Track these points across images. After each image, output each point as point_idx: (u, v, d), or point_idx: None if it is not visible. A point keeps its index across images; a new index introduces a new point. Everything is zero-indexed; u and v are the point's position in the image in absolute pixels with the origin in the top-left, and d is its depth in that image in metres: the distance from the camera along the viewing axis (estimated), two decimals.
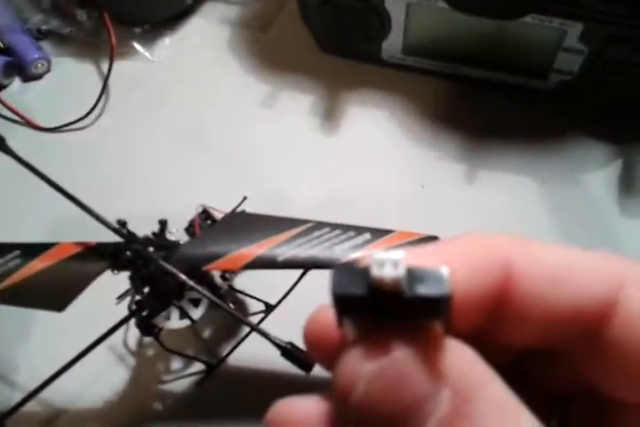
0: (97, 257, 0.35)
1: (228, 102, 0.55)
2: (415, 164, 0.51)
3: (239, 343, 0.44)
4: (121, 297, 0.46)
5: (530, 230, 0.47)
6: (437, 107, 0.53)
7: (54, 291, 0.35)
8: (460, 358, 0.14)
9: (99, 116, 0.54)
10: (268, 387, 0.43)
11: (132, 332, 0.45)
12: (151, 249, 0.36)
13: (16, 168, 0.39)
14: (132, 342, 0.45)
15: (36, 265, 0.35)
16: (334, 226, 0.37)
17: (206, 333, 0.45)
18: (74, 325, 0.44)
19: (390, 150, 0.52)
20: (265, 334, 0.33)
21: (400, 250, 0.13)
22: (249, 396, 0.43)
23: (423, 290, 0.13)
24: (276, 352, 0.43)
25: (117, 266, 0.36)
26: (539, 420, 0.14)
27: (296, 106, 0.54)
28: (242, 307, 0.46)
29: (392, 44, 0.52)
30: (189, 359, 0.44)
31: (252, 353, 0.44)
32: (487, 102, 0.53)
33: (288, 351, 0.32)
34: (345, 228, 0.37)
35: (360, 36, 0.51)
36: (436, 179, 0.51)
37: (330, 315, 0.15)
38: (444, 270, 0.13)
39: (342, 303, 0.13)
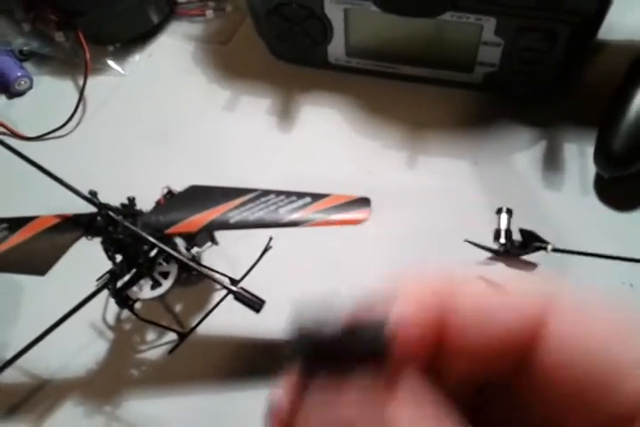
0: (73, 226, 0.41)
1: (194, 108, 0.61)
2: (362, 153, 0.57)
3: (207, 314, 0.48)
4: (100, 279, 0.51)
5: (465, 207, 0.53)
6: (380, 102, 0.59)
7: (37, 257, 0.40)
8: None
9: (77, 124, 0.60)
10: (233, 354, 0.48)
11: (110, 309, 0.50)
12: (120, 217, 0.41)
13: None
14: (111, 319, 0.50)
15: (21, 236, 0.40)
16: (279, 192, 0.42)
17: (176, 307, 0.50)
18: (60, 306, 0.50)
19: (340, 143, 0.58)
20: (215, 280, 0.38)
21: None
22: (216, 361, 0.48)
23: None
24: (242, 322, 0.48)
25: (91, 233, 0.41)
26: None
27: (255, 108, 0.60)
28: (210, 282, 0.51)
29: (336, 48, 0.58)
30: (162, 330, 0.49)
31: (219, 324, 0.48)
32: (424, 96, 0.59)
33: (239, 295, 0.37)
34: (288, 193, 0.42)
35: (306, 42, 0.58)
36: (380, 166, 0.56)
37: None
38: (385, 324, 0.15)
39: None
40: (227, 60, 0.64)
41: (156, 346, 0.48)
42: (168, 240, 0.43)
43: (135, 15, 0.63)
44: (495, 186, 0.54)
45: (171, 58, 0.64)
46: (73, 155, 0.59)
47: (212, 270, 0.50)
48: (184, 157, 0.58)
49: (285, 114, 0.60)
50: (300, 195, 0.42)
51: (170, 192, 0.47)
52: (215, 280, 0.39)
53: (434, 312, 0.18)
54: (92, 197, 0.40)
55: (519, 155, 0.55)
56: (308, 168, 0.57)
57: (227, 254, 0.51)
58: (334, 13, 0.55)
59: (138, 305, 0.48)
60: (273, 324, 0.47)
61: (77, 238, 0.41)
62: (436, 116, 0.58)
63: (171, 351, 0.48)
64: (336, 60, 0.60)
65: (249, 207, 0.41)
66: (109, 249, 0.42)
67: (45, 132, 0.59)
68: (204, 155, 0.58)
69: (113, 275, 0.44)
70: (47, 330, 0.42)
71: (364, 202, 0.42)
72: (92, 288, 0.50)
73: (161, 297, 0.49)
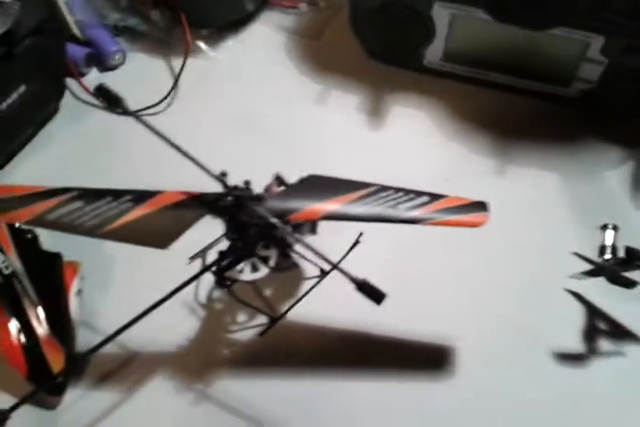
0: (198, 205, 0.41)
1: (284, 97, 0.62)
2: (449, 157, 0.58)
3: (299, 300, 0.49)
4: (193, 258, 0.52)
5: (549, 221, 0.54)
6: (469, 109, 0.60)
7: (160, 231, 0.40)
8: None
9: (169, 104, 0.61)
10: (321, 341, 0.48)
11: (202, 288, 0.51)
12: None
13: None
14: (203, 297, 0.51)
15: (145, 209, 0.41)
16: (397, 189, 0.43)
17: (266, 291, 0.51)
18: (148, 279, 0.51)
19: (427, 144, 0.59)
20: (343, 271, 0.39)
21: None
22: (304, 347, 0.48)
23: None
24: (331, 310, 0.49)
25: (215, 212, 0.42)
26: None
27: (345, 104, 0.61)
28: (300, 271, 0.52)
29: (434, 52, 0.59)
30: (252, 313, 0.50)
31: (309, 310, 0.49)
32: (515, 107, 0.60)
33: (364, 286, 0.38)
34: (406, 191, 0.43)
35: (406, 43, 0.59)
36: (468, 171, 0.57)
37: None
38: None
39: None
40: (317, 55, 0.64)
41: (246, 328, 0.49)
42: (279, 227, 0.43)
43: (232, 2, 0.63)
44: (583, 202, 0.55)
45: (262, 46, 0.65)
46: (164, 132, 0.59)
47: (306, 259, 0.51)
48: (271, 145, 0.59)
49: (375, 112, 0.61)
50: (419, 193, 0.43)
51: (279, 178, 0.48)
52: (343, 271, 0.39)
53: None
54: (223, 178, 0.41)
55: (608, 173, 0.57)
56: (393, 167, 0.57)
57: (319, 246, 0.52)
58: (440, 17, 0.56)
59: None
60: (359, 314, 0.49)
61: (201, 216, 0.41)
62: (526, 126, 0.59)
63: (262, 334, 0.48)
64: (430, 64, 0.61)
65: (368, 201, 0.42)
66: (232, 230, 0.42)
67: (137, 108, 0.60)
68: (292, 144, 0.59)
69: (222, 255, 0.45)
70: (150, 307, 0.42)
71: (482, 206, 0.43)
72: (181, 265, 0.51)
73: (253, 281, 0.50)
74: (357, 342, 0.49)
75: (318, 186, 0.44)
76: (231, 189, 0.41)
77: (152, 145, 0.57)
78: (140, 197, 0.41)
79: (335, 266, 0.42)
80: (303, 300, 0.49)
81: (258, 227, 0.42)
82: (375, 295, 0.39)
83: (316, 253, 0.40)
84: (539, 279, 0.51)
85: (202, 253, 0.52)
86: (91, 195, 0.41)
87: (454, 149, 0.59)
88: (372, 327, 0.49)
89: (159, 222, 0.41)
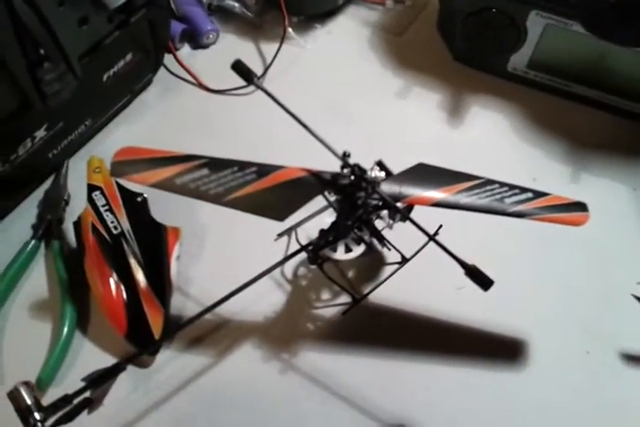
0: (316, 181, 0.43)
1: (368, 89, 0.64)
2: (525, 159, 0.60)
3: (381, 283, 0.51)
4: (280, 235, 0.54)
5: (620, 231, 0.56)
6: (547, 116, 0.63)
7: (278, 204, 0.42)
8: None
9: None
10: (398, 325, 0.50)
11: (288, 265, 0.53)
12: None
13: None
14: (289, 273, 0.52)
15: (268, 181, 0.42)
16: (503, 183, 0.45)
17: (349, 273, 0.53)
18: (236, 253, 0.52)
19: (504, 146, 0.61)
20: (450, 252, 0.41)
21: None
22: (383, 329, 0.50)
23: None
24: (411, 293, 0.51)
25: (333, 190, 0.43)
26: None
27: (426, 101, 0.63)
28: (381, 256, 0.54)
29: (520, 58, 0.61)
30: (336, 291, 0.52)
31: (388, 295, 0.51)
32: (591, 118, 0.62)
33: (472, 271, 0.40)
34: (511, 186, 0.45)
35: (495, 48, 0.61)
36: (544, 174, 0.59)
37: None
38: None
39: None
40: (401, 51, 0.66)
41: (330, 305, 0.51)
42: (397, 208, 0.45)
43: None
44: None
45: (348, 38, 0.67)
46: (251, 114, 0.61)
47: (391, 245, 0.53)
48: (353, 135, 0.60)
49: (455, 111, 0.63)
50: (523, 189, 0.45)
51: (380, 164, 0.50)
52: (453, 256, 0.41)
53: None
54: (346, 159, 0.43)
55: None
56: (470, 165, 0.59)
57: (396, 233, 0.54)
58: (534, 26, 0.58)
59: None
60: (437, 300, 0.51)
61: (318, 193, 0.43)
62: (601, 138, 0.61)
63: (345, 312, 0.50)
64: (514, 70, 0.63)
65: (476, 192, 0.44)
66: (344, 209, 0.44)
67: (227, 87, 0.61)
68: (372, 136, 0.61)
69: (322, 233, 0.47)
70: (247, 283, 0.44)
71: (582, 206, 0.45)
72: (268, 241, 0.53)
73: (336, 262, 0.52)
74: (435, 328, 0.51)
75: (428, 174, 0.46)
76: (354, 169, 0.43)
77: (246, 123, 0.59)
78: (264, 170, 0.43)
79: (443, 247, 0.44)
80: (384, 284, 0.52)
81: (365, 208, 0.44)
82: (483, 281, 0.41)
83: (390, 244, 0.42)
84: (611, 284, 0.53)
85: (289, 231, 0.54)
86: (218, 164, 0.43)
87: (530, 152, 0.61)
88: (451, 315, 0.51)
89: (279, 196, 0.43)
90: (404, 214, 0.43)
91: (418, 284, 0.52)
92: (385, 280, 0.52)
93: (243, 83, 0.62)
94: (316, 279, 0.52)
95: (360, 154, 0.59)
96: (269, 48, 0.65)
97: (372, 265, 0.53)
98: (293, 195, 0.43)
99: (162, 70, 0.63)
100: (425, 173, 0.46)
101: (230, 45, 0.65)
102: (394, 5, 0.68)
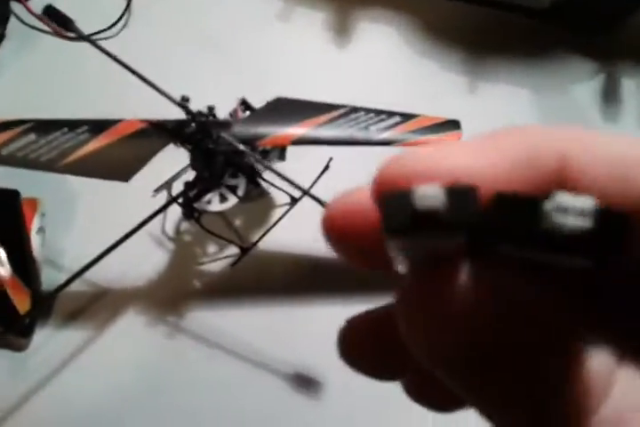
0: (159, 133, 0.39)
1: (246, 15, 0.58)
2: (421, 75, 0.56)
3: (269, 229, 0.48)
4: (157, 190, 0.50)
5: None
6: (442, 24, 0.58)
7: (120, 163, 0.38)
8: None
9: (123, 26, 0.57)
10: (292, 271, 0.47)
11: (169, 220, 0.49)
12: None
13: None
14: (170, 230, 0.49)
15: (103, 139, 0.38)
16: (368, 110, 0.41)
17: (236, 221, 0.50)
18: (113, 214, 0.49)
19: (398, 63, 0.57)
20: (315, 198, 0.37)
21: (588, 198, 0.11)
22: (277, 277, 0.47)
23: (604, 238, 0.11)
24: (300, 240, 0.48)
25: (180, 140, 0.39)
26: None
27: (310, 20, 0.58)
28: (269, 200, 0.50)
29: None
30: (223, 244, 0.48)
31: (280, 240, 0.48)
32: (486, 20, 0.57)
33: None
34: (377, 111, 0.41)
35: None
36: (440, 89, 0.55)
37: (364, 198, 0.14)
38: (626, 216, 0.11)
39: (506, 239, 0.12)
40: None
41: (217, 259, 0.48)
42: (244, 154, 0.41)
43: None
44: (553, 115, 0.54)
45: None
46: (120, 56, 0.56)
47: (275, 187, 0.49)
48: (234, 67, 0.56)
49: (341, 29, 0.58)
50: (390, 114, 0.41)
51: (244, 103, 0.45)
52: (314, 198, 0.38)
53: (551, 167, 0.13)
54: (185, 104, 0.39)
55: (579, 85, 0.55)
56: (363, 87, 0.55)
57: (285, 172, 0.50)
58: None
59: None
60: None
61: (164, 145, 0.39)
62: (497, 41, 0.57)
63: (233, 264, 0.47)
64: None
65: (339, 123, 0.40)
66: (197, 159, 0.40)
67: (90, 32, 0.56)
68: (255, 66, 0.56)
69: (188, 186, 0.43)
70: (117, 242, 0.41)
71: (454, 124, 0.42)
72: (147, 199, 0.49)
73: (221, 212, 0.49)
74: (331, 271, 0.48)
75: (286, 109, 0.41)
76: (195, 115, 0.39)
77: (107, 71, 0.54)
78: (98, 126, 0.39)
79: (306, 192, 0.41)
80: (275, 228, 0.48)
81: (224, 154, 0.40)
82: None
83: (286, 179, 0.39)
84: None
85: (167, 185, 0.50)
86: (44, 126, 0.39)
87: (425, 66, 0.56)
88: None
89: (119, 153, 0.39)
90: (258, 159, 0.39)
91: (311, 225, 0.49)
92: (274, 225, 0.48)
93: (108, 23, 0.57)
94: (200, 233, 0.49)
95: (243, 89, 0.55)
96: None
97: (263, 209, 0.50)
98: (134, 151, 0.39)
99: (14, 22, 0.57)
100: (282, 109, 0.41)
101: None
102: None
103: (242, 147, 0.38)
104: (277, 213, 0.50)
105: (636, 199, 0.13)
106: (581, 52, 0.57)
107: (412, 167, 0.13)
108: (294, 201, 0.48)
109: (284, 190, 0.49)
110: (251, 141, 0.39)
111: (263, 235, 0.48)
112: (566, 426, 0.13)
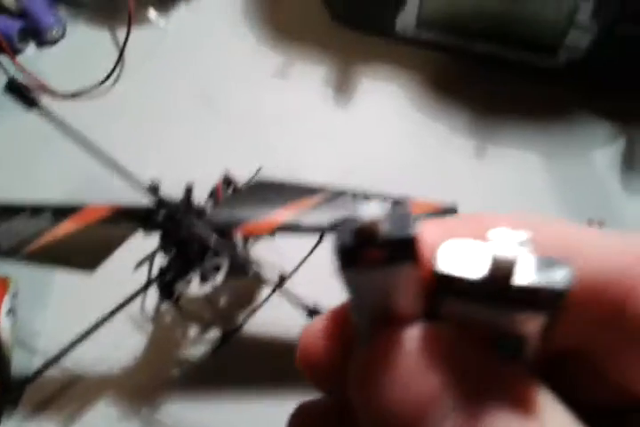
0: (128, 220, 0.36)
1: (242, 71, 0.56)
2: (425, 136, 0.52)
3: (254, 312, 0.45)
4: (139, 265, 0.47)
5: (535, 205, 0.49)
6: (447, 82, 0.54)
7: (85, 252, 0.36)
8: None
9: (114, 82, 0.55)
10: (281, 356, 0.44)
11: (150, 299, 0.46)
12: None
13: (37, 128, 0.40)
14: (150, 310, 0.46)
15: (68, 227, 0.36)
16: (355, 194, 0.38)
17: (222, 301, 0.46)
18: (90, 290, 0.46)
19: (401, 123, 0.53)
20: (292, 296, 0.34)
21: (524, 233, 0.12)
22: (263, 364, 0.44)
23: (542, 282, 0.12)
24: (289, 322, 0.44)
25: (149, 228, 0.36)
26: None
27: (309, 77, 0.55)
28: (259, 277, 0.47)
29: (407, 18, 0.52)
30: (207, 326, 0.45)
31: (267, 322, 0.45)
32: (496, 79, 0.54)
33: (315, 313, 0.34)
34: (366, 196, 0.38)
35: (375, 8, 0.52)
36: (445, 152, 0.51)
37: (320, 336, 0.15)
38: (570, 267, 0.12)
39: (446, 283, 0.12)
40: (280, 18, 0.58)
41: (199, 342, 0.45)
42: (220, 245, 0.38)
43: None
44: (567, 183, 0.50)
45: (218, 12, 0.58)
46: (109, 117, 0.54)
47: (261, 265, 0.46)
48: (228, 128, 0.53)
49: (342, 86, 0.55)
50: (380, 198, 0.38)
51: (227, 178, 0.42)
52: (292, 296, 0.34)
53: None
54: (153, 192, 0.36)
55: (596, 151, 0.51)
56: (363, 149, 0.52)
57: (277, 246, 0.47)
58: None
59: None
60: None
61: (132, 234, 0.36)
62: (508, 101, 0.53)
63: (215, 350, 0.44)
64: (403, 31, 0.54)
65: (324, 209, 0.37)
66: (166, 246, 0.37)
67: (78, 88, 0.54)
68: (250, 126, 0.53)
69: (162, 270, 0.40)
70: (92, 327, 0.38)
71: (451, 213, 0.38)
72: (126, 272, 0.46)
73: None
74: None
75: (267, 191, 0.38)
76: (164, 203, 0.36)
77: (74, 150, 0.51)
78: (62, 212, 0.36)
79: (284, 279, 0.38)
80: (263, 308, 0.45)
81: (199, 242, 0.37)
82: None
83: (260, 268, 0.36)
84: None
85: (148, 260, 0.47)
86: (4, 210, 0.36)
87: (430, 127, 0.53)
88: None
89: (84, 242, 0.36)
90: (228, 252, 0.36)
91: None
92: (260, 306, 0.45)
93: (99, 79, 0.55)
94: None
95: (238, 150, 0.52)
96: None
97: (248, 287, 0.47)
98: (102, 238, 0.36)
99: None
100: (263, 191, 0.38)
101: (81, 38, 0.57)
102: None
103: (213, 239, 0.35)
104: (266, 290, 0.46)
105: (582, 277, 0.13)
106: (599, 115, 0.52)
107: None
108: (283, 280, 0.45)
109: (271, 268, 0.45)
110: (226, 229, 0.36)
111: (248, 317, 0.45)
112: None
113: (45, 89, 0.54)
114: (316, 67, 0.55)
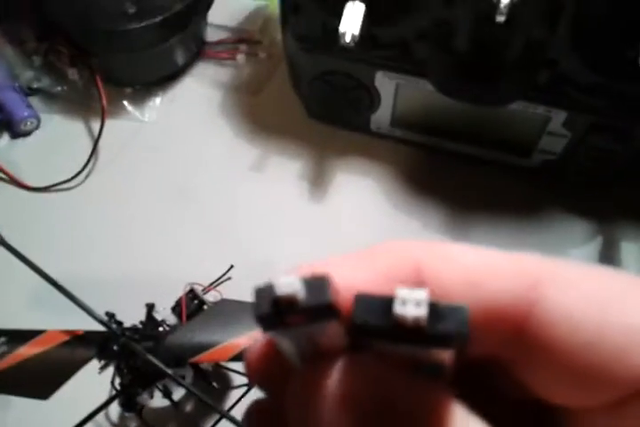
0: (84, 345, 0.35)
1: (217, 165, 0.56)
2: (400, 231, 0.52)
3: (221, 418, 0.44)
4: (103, 368, 0.46)
5: None
6: (423, 178, 0.54)
7: (40, 379, 0.35)
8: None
9: (87, 175, 0.55)
10: None
11: (115, 406, 0.45)
12: (138, 337, 0.36)
13: None
14: (115, 416, 0.45)
15: (23, 352, 0.35)
16: None
17: (188, 408, 0.45)
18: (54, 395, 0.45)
19: (376, 218, 0.53)
20: (238, 423, 0.33)
21: (423, 290, 0.13)
22: None
23: (443, 327, 0.13)
24: None
25: (104, 356, 0.36)
26: None
27: (284, 171, 0.55)
28: (226, 380, 0.46)
29: (380, 117, 0.53)
30: None
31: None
32: (472, 176, 0.54)
33: None
34: None
35: (349, 110, 0.52)
36: None
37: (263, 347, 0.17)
38: (465, 308, 0.14)
39: (362, 331, 0.14)
40: (256, 113, 0.58)
41: None
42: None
43: (158, 57, 0.56)
44: None
45: (195, 105, 0.58)
46: (80, 211, 0.54)
47: (230, 370, 0.45)
48: (201, 225, 0.53)
49: (318, 180, 0.55)
50: None
51: (192, 291, 0.42)
52: (233, 422, 0.34)
53: (407, 277, 0.16)
54: (108, 322, 0.35)
55: (574, 250, 0.51)
56: (338, 245, 0.52)
57: None
58: (385, 86, 0.49)
59: None
60: None
61: (89, 360, 0.36)
62: (483, 198, 0.53)
63: None
64: (378, 129, 0.54)
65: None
66: (122, 373, 0.37)
67: (52, 180, 0.54)
68: (224, 222, 0.53)
69: (124, 387, 0.39)
70: None
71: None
72: (92, 375, 0.45)
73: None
74: None
75: (230, 314, 0.38)
76: (118, 335, 0.35)
77: (70, 226, 0.50)
78: (18, 337, 0.36)
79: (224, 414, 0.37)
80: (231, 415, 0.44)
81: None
82: None
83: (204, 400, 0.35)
84: None
85: (114, 361, 0.47)
86: None
87: (405, 223, 0.53)
88: None
89: (40, 368, 0.35)
90: (181, 383, 0.35)
91: None
92: (229, 410, 0.44)
93: (73, 172, 0.54)
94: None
95: (212, 246, 0.52)
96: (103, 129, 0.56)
97: (216, 392, 0.46)
98: (57, 365, 0.35)
99: None
100: (225, 314, 0.38)
101: (55, 130, 0.57)
102: (246, 60, 0.60)
103: (168, 371, 0.34)
104: (234, 396, 0.46)
105: (484, 303, 0.15)
106: (576, 212, 0.52)
107: (292, 271, 0.16)
108: (250, 386, 0.44)
109: (240, 373, 0.45)
110: (184, 357, 0.35)
111: (215, 423, 0.44)
112: None
113: (17, 182, 0.54)
114: (291, 160, 0.55)
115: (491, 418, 0.15)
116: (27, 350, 0.35)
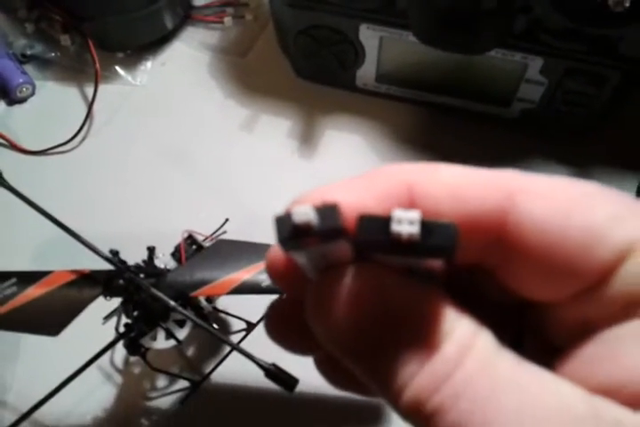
0: (90, 284, 0.37)
1: (209, 125, 0.57)
2: None
3: (222, 361, 0.46)
4: (107, 317, 0.48)
5: None
6: (409, 131, 0.56)
7: (49, 316, 0.37)
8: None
9: (83, 139, 0.56)
10: (251, 404, 0.45)
11: (119, 351, 0.47)
12: (142, 276, 0.38)
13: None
14: (119, 361, 0.47)
15: (32, 292, 0.37)
16: None
17: (190, 351, 0.48)
18: (60, 344, 0.46)
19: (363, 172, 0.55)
20: (248, 355, 0.35)
21: (415, 211, 0.15)
22: (232, 413, 0.45)
23: (433, 241, 0.16)
24: (258, 370, 0.46)
25: (110, 293, 0.38)
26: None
27: (274, 130, 0.57)
28: (224, 326, 0.48)
29: (366, 73, 0.55)
30: (174, 377, 0.46)
31: (236, 371, 0.46)
32: (456, 128, 0.56)
33: (272, 372, 0.35)
34: None
35: (335, 65, 0.54)
36: None
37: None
38: (452, 224, 0.16)
39: (365, 246, 0.16)
40: (245, 74, 0.60)
41: (167, 393, 0.46)
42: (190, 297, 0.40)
43: (148, 20, 0.58)
44: None
45: (185, 68, 0.60)
46: (77, 173, 0.55)
47: (228, 314, 0.47)
48: (195, 182, 0.55)
49: (307, 138, 0.56)
50: None
51: (190, 237, 0.44)
52: (246, 354, 0.36)
53: (399, 197, 0.18)
54: (112, 258, 0.37)
55: None
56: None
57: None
58: (369, 40, 0.51)
59: None
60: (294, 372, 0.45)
61: (95, 298, 0.38)
62: (466, 149, 0.55)
63: (183, 401, 0.45)
64: (364, 85, 0.56)
65: None
66: (128, 309, 0.39)
67: (48, 145, 0.55)
68: (217, 179, 0.55)
69: (129, 327, 0.41)
70: (62, 384, 0.39)
71: None
72: (96, 325, 0.47)
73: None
74: (291, 408, 0.45)
75: (227, 253, 0.40)
76: (122, 270, 0.37)
77: (65, 188, 0.52)
78: (26, 278, 0.37)
79: (235, 347, 0.39)
80: (231, 357, 0.46)
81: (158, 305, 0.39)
82: (285, 382, 0.35)
83: (215, 334, 0.37)
84: None
85: (117, 312, 0.48)
86: None
87: None
88: (307, 390, 0.45)
89: (48, 307, 0.37)
90: (187, 315, 0.37)
91: (271, 351, 0.46)
92: (227, 356, 0.46)
93: (64, 137, 0.56)
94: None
95: (207, 203, 0.53)
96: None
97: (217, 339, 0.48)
98: (65, 303, 0.37)
99: None
100: (222, 253, 0.40)
101: (50, 95, 0.58)
102: (233, 22, 0.61)
103: (172, 303, 0.36)
104: (234, 339, 0.48)
105: (467, 214, 0.18)
106: (554, 160, 0.54)
107: (305, 198, 0.18)
108: (251, 327, 0.46)
109: (238, 317, 0.47)
110: (186, 291, 0.37)
111: (215, 367, 0.46)
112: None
113: (15, 146, 0.55)
114: (281, 119, 0.57)
115: (478, 319, 0.17)
116: (35, 291, 0.37)
